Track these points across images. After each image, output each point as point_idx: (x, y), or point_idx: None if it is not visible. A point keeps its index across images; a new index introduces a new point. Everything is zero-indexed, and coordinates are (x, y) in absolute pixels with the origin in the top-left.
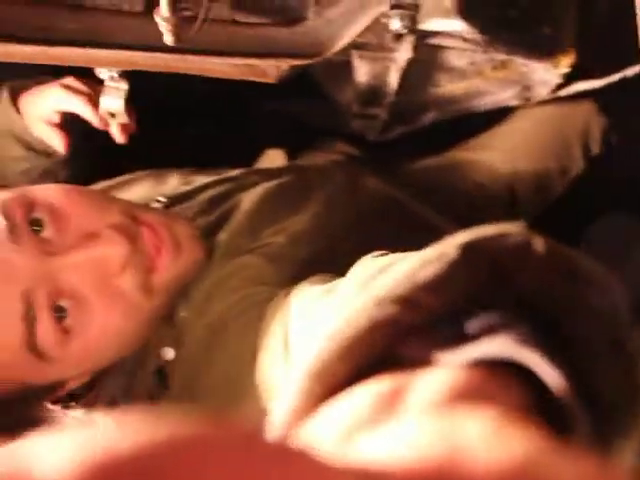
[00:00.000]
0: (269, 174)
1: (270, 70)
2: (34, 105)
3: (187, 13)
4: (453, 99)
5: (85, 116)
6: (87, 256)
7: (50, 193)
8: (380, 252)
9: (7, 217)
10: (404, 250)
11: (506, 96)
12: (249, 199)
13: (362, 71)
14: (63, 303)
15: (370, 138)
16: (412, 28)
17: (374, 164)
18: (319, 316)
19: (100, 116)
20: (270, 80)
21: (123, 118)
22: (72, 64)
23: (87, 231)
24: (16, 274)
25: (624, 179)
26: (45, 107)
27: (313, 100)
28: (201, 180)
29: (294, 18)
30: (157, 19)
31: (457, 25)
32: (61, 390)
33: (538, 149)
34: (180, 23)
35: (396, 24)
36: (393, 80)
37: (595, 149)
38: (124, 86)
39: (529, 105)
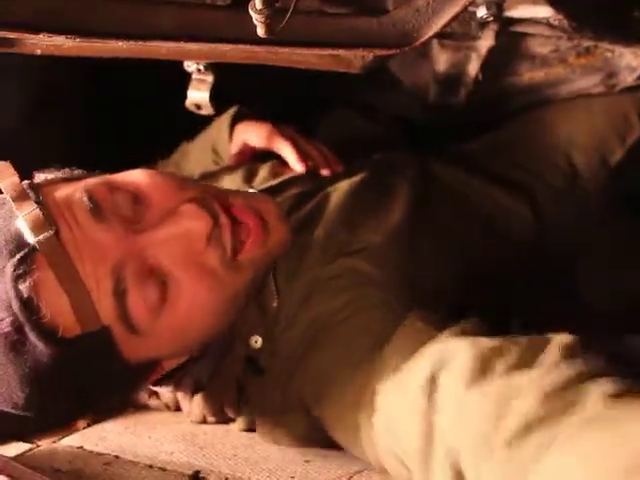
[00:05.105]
0: (349, 168)
1: (356, 60)
2: (244, 133)
3: (277, 5)
4: (532, 87)
5: (289, 161)
6: (171, 231)
7: (132, 175)
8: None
9: (92, 199)
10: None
11: (589, 83)
12: (338, 194)
13: (442, 60)
14: (151, 278)
15: (440, 128)
16: (498, 16)
17: (434, 150)
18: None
19: (301, 159)
20: (355, 70)
21: (208, 109)
22: (163, 57)
23: (169, 208)
24: (104, 253)
25: None
26: (255, 140)
27: (383, 89)
28: (289, 173)
29: (379, 8)
30: (251, 12)
31: (545, 12)
32: (159, 371)
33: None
34: (272, 15)
35: (483, 12)
36: (473, 69)
37: None
38: (210, 78)
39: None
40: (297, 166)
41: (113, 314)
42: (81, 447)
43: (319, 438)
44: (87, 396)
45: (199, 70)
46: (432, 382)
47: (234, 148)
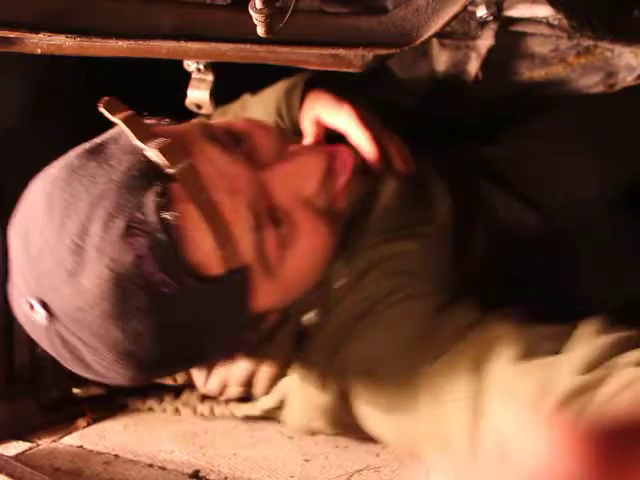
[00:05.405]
0: None
1: (356, 60)
2: (321, 107)
3: (277, 4)
4: (533, 86)
5: (363, 149)
6: (291, 168)
7: (239, 121)
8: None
9: (214, 137)
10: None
11: (588, 83)
12: (391, 180)
13: (441, 59)
14: (276, 216)
15: (442, 126)
16: (498, 15)
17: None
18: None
19: (375, 157)
20: (355, 70)
21: (208, 109)
22: (163, 57)
23: (278, 148)
24: (238, 186)
25: None
26: (330, 119)
27: (383, 88)
28: None
29: (379, 8)
30: (250, 11)
31: (544, 11)
32: (263, 326)
33: None
34: (272, 15)
35: (483, 11)
36: (473, 68)
37: None
38: (210, 78)
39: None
40: (372, 161)
41: (252, 251)
42: (81, 446)
43: (349, 424)
44: (209, 344)
45: (199, 69)
46: (477, 367)
47: (306, 123)
